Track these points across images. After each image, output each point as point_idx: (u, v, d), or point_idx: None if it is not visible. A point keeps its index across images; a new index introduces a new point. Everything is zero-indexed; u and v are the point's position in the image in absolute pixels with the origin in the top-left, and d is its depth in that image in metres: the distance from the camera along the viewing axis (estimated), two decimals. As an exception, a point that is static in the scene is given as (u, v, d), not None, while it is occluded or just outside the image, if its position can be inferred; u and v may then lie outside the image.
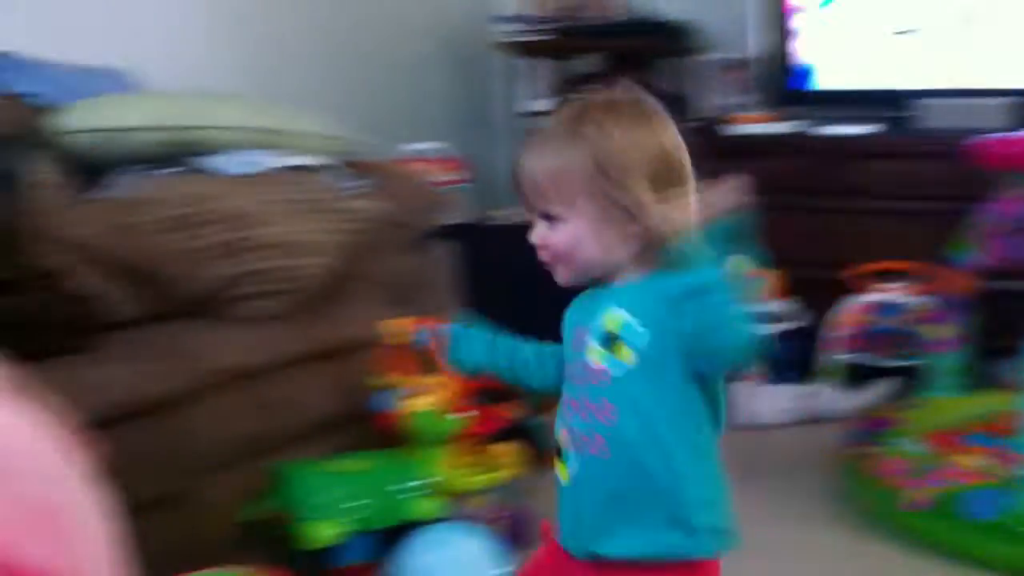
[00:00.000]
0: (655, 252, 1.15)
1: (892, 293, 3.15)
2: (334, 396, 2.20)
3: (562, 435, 1.20)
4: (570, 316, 1.24)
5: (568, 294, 1.24)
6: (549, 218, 1.16)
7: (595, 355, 1.16)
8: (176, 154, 2.29)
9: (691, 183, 1.18)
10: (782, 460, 2.76)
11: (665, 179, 1.15)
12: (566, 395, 1.21)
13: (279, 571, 1.70)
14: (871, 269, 3.20)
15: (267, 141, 2.40)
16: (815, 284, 3.27)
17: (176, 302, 2.07)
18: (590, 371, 1.16)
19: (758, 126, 3.47)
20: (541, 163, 1.15)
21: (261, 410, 1.99)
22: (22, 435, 0.86)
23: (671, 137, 1.18)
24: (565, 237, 1.15)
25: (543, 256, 1.18)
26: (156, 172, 2.27)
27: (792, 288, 3.30)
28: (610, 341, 1.15)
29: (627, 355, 1.14)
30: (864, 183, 3.30)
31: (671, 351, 1.13)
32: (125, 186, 2.26)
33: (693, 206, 1.16)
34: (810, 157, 3.37)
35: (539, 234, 1.18)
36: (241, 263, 2.13)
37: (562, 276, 1.19)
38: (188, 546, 1.74)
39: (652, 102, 1.20)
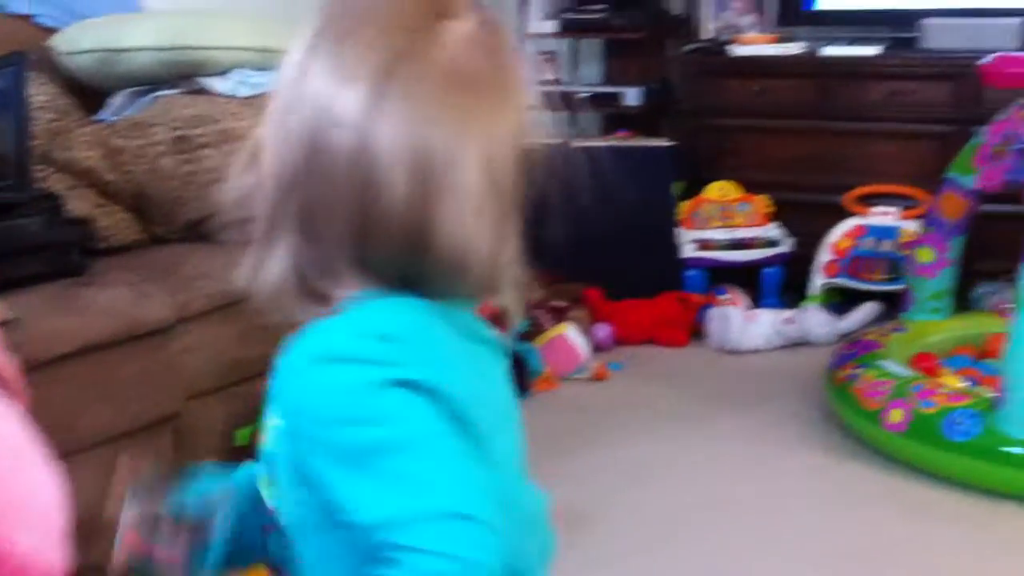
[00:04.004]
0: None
1: (884, 216, 3.18)
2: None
3: None
4: None
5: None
6: None
7: (264, 490, 0.78)
8: (178, 75, 2.30)
9: None
10: (768, 384, 2.82)
11: None
12: None
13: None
14: (866, 192, 3.22)
15: (271, 61, 2.41)
16: (813, 207, 3.30)
17: (176, 226, 2.11)
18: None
19: (763, 47, 3.45)
20: None
21: (256, 334, 2.03)
22: None
23: None
24: None
25: None
26: (157, 93, 2.29)
27: (789, 211, 3.33)
28: (269, 465, 0.77)
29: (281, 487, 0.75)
30: (867, 105, 3.30)
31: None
32: (125, 107, 2.29)
33: None
34: (813, 78, 3.36)
35: None
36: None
37: None
38: (182, 469, 1.80)
39: None
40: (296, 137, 0.73)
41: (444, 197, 0.71)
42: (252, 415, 2.01)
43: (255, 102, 2.29)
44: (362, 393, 0.68)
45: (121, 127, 2.17)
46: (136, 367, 1.76)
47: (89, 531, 0.95)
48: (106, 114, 2.28)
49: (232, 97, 2.30)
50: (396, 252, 0.72)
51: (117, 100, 2.30)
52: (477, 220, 0.72)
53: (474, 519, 0.65)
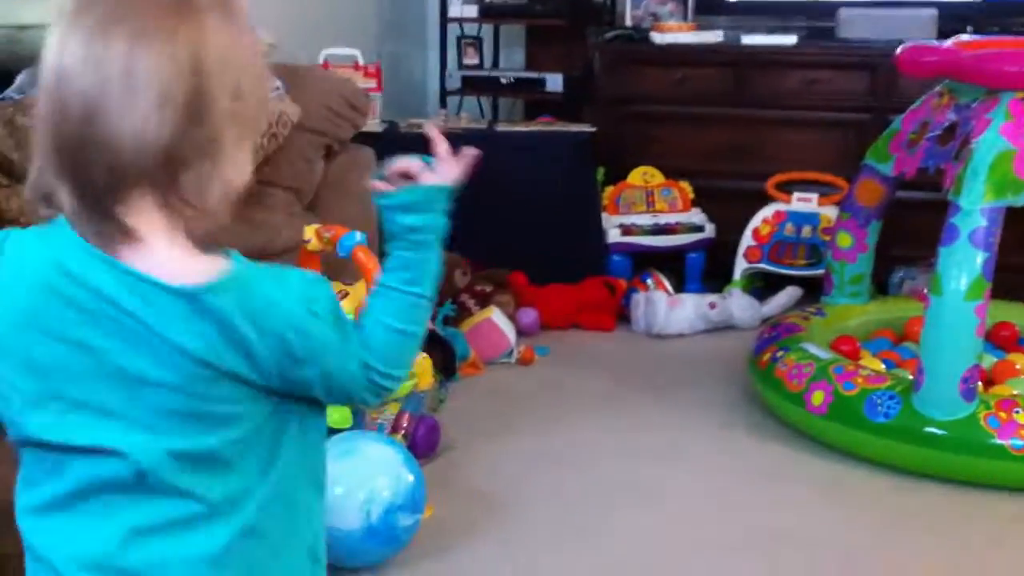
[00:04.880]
0: None
1: (803, 203, 3.21)
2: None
3: None
4: None
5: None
6: None
7: None
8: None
9: None
10: (692, 368, 2.83)
11: None
12: None
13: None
14: (785, 179, 3.25)
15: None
16: (734, 194, 3.32)
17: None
18: None
19: (682, 35, 3.46)
20: None
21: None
22: None
23: None
24: None
25: None
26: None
27: (710, 197, 3.35)
28: None
29: None
30: (785, 93, 3.33)
31: None
32: (31, 85, 2.20)
33: None
34: (733, 67, 3.38)
35: None
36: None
37: None
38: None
39: None
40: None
41: (113, 106, 0.82)
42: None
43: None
44: None
45: (27, 105, 2.08)
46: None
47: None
48: (11, 92, 2.19)
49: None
50: (71, 162, 0.84)
51: (22, 78, 2.21)
52: (147, 121, 0.82)
53: None
